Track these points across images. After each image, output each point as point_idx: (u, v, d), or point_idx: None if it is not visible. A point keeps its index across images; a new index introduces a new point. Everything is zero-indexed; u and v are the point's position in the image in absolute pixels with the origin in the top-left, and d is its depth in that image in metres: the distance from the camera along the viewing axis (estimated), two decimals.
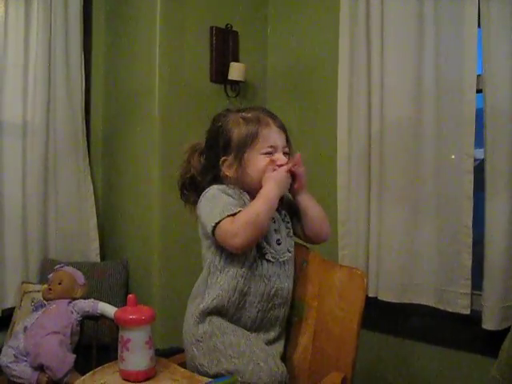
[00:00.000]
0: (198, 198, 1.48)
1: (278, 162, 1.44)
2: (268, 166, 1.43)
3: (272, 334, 1.48)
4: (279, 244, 1.46)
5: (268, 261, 1.44)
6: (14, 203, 2.54)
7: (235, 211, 1.36)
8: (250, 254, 1.41)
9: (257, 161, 1.44)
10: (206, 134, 1.54)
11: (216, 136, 1.48)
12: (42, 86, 2.60)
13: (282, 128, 1.49)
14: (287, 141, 1.50)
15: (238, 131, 1.44)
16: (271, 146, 1.45)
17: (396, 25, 2.33)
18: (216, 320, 1.42)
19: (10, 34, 2.52)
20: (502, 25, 2.05)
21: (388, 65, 2.36)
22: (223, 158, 1.46)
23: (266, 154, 1.44)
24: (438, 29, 2.24)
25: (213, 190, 1.44)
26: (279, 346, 1.50)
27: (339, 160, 2.56)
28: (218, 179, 1.49)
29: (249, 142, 1.43)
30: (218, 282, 1.42)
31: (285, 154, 1.48)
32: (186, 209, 1.54)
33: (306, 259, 1.59)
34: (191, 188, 1.53)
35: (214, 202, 1.41)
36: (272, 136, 1.45)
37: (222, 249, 1.42)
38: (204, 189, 1.48)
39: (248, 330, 1.43)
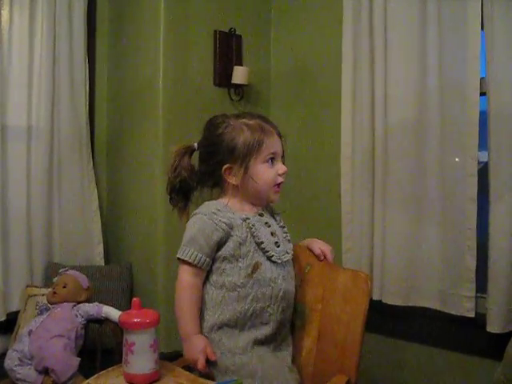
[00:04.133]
0: (187, 203, 1.52)
1: (280, 171, 1.47)
2: (273, 177, 1.47)
3: (283, 339, 1.49)
4: (278, 246, 1.47)
5: (273, 262, 1.44)
6: (19, 207, 2.55)
7: (186, 258, 1.41)
8: (247, 262, 1.42)
9: (261, 169, 1.45)
10: (203, 140, 1.52)
11: (217, 143, 1.47)
12: (46, 90, 2.62)
13: (280, 135, 1.52)
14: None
15: (243, 139, 1.44)
16: (273, 153, 1.47)
17: (399, 28, 2.33)
18: (226, 340, 1.42)
19: (14, 39, 2.54)
20: (505, 27, 2.05)
21: (391, 67, 2.36)
22: (226, 166, 1.45)
23: (268, 161, 1.46)
24: (441, 31, 2.24)
25: (195, 218, 1.46)
26: (288, 356, 1.50)
27: (343, 163, 2.56)
28: (218, 185, 1.51)
29: (255, 149, 1.44)
30: (217, 298, 1.43)
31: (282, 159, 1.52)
32: (174, 213, 1.54)
33: (309, 263, 1.59)
34: (181, 192, 1.52)
35: (188, 233, 1.44)
36: (274, 143, 1.47)
37: (213, 263, 1.44)
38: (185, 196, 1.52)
39: (262, 338, 1.43)
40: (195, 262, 1.41)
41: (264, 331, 1.44)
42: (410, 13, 2.30)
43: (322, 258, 1.57)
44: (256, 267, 1.43)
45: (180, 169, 1.51)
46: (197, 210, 1.47)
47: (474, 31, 2.13)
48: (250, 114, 1.54)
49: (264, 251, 1.44)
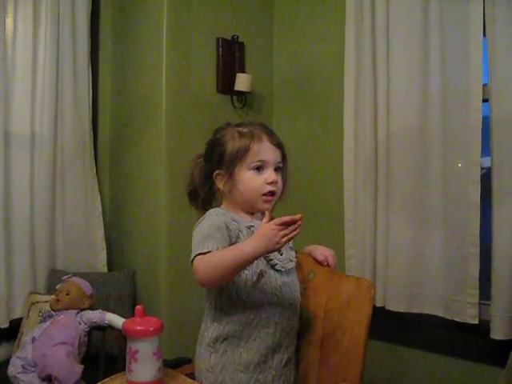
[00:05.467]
0: (200, 207, 1.53)
1: (269, 180, 1.43)
2: (260, 185, 1.43)
3: (291, 350, 1.48)
4: (281, 254, 1.47)
5: (277, 271, 1.44)
6: (22, 214, 2.55)
7: (205, 250, 1.31)
8: (252, 271, 1.41)
9: (246, 176, 1.44)
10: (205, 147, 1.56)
11: (212, 149, 1.50)
12: (49, 97, 2.62)
13: (278, 145, 1.48)
14: (284, 158, 1.50)
15: (231, 145, 1.45)
16: (260, 161, 1.43)
17: (401, 35, 2.34)
18: (230, 353, 1.41)
19: (18, 47, 2.55)
20: (507, 34, 2.06)
21: (394, 74, 2.36)
22: (217, 172, 1.47)
23: (255, 168, 1.44)
24: (443, 38, 2.24)
25: (205, 219, 1.44)
26: (292, 370, 1.50)
27: (345, 169, 2.56)
28: (213, 192, 1.52)
29: (240, 156, 1.43)
30: (223, 307, 1.42)
31: (277, 169, 1.47)
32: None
33: (313, 270, 1.59)
34: (194, 198, 1.55)
35: (200, 234, 1.39)
36: (263, 151, 1.44)
37: None
38: (203, 201, 1.52)
39: (270, 348, 1.42)
40: (206, 251, 1.33)
41: (269, 342, 1.42)
42: (413, 20, 2.30)
43: (326, 263, 1.57)
44: (260, 276, 1.42)
45: (192, 177, 1.55)
46: (204, 215, 1.46)
47: (475, 37, 2.14)
48: (251, 123, 1.54)
49: (268, 259, 1.43)
